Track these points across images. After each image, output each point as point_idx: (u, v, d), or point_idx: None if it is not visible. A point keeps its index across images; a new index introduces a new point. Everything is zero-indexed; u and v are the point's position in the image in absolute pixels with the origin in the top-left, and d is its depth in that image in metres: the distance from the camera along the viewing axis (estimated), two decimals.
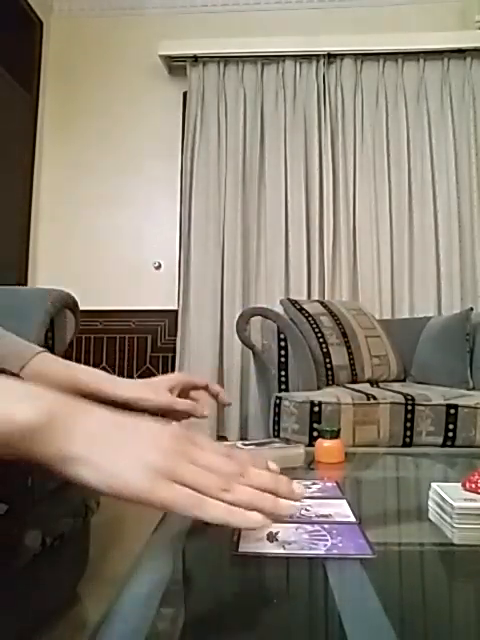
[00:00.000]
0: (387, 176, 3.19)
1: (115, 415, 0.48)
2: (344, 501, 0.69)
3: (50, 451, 0.43)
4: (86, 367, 0.82)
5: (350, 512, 0.65)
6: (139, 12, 3.54)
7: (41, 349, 0.82)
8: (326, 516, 0.63)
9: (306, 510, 0.64)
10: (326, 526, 0.59)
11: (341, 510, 0.65)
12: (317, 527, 0.59)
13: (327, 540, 0.55)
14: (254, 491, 0.46)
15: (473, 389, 2.18)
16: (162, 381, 0.83)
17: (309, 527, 0.58)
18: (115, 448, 0.44)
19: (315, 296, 3.10)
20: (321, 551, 0.52)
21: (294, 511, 0.51)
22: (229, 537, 0.52)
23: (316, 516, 0.62)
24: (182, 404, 0.82)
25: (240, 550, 0.51)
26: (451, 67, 3.25)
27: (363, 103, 3.28)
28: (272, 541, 0.53)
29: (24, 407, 0.43)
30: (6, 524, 0.52)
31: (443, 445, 1.85)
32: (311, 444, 0.97)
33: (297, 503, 0.51)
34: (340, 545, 0.54)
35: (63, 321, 1.62)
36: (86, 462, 0.43)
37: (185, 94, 3.42)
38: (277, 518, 0.47)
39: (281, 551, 0.51)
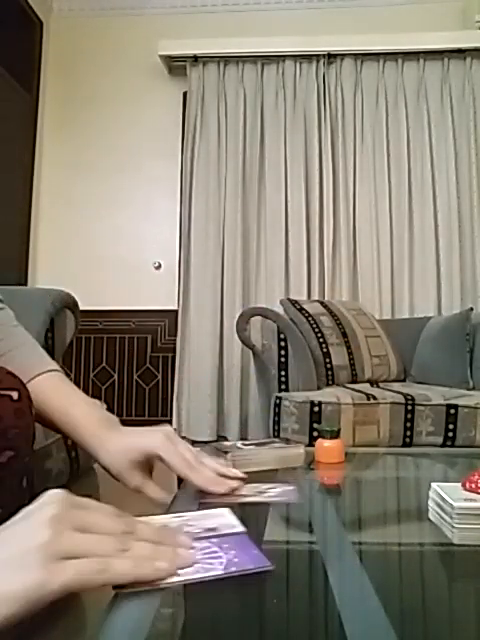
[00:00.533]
0: (387, 176, 3.19)
1: None
2: (226, 510, 0.62)
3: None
4: (87, 403, 0.77)
5: (236, 521, 0.59)
6: (139, 12, 3.54)
7: (52, 368, 0.80)
8: (212, 529, 0.57)
9: (189, 525, 0.58)
10: (215, 540, 0.53)
11: (225, 520, 0.59)
12: (206, 543, 0.52)
13: (221, 557, 0.49)
14: (152, 545, 0.45)
15: (473, 389, 2.18)
16: (147, 450, 0.71)
17: (198, 544, 0.51)
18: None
19: (315, 296, 3.10)
20: (219, 571, 0.46)
21: (193, 560, 0.47)
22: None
23: (202, 530, 0.56)
24: (152, 493, 0.72)
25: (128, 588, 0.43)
26: (451, 67, 3.25)
27: (363, 103, 3.28)
28: None
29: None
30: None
31: (443, 445, 1.85)
32: (311, 444, 0.97)
33: (192, 551, 0.48)
34: (236, 560, 0.49)
35: (63, 321, 1.62)
36: None
37: (185, 94, 3.42)
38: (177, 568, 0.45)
39: (176, 579, 0.44)
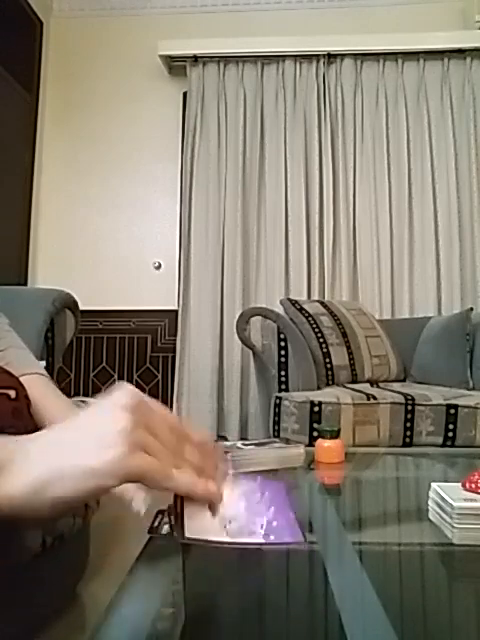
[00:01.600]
0: (387, 176, 3.19)
1: (57, 424, 0.44)
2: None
3: (11, 489, 0.38)
4: (70, 408, 0.75)
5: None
6: (139, 12, 3.54)
7: (35, 371, 0.79)
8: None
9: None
10: (260, 484, 0.57)
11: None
12: (252, 484, 0.56)
13: (261, 520, 0.53)
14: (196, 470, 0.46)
15: (473, 389, 2.18)
16: None
17: (245, 484, 0.55)
18: (70, 444, 0.41)
19: (315, 296, 3.10)
20: (260, 538, 0.50)
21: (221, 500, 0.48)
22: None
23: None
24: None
25: (187, 536, 0.46)
26: (451, 67, 3.25)
27: (363, 103, 3.28)
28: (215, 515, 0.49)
29: None
30: (4, 525, 0.52)
31: (443, 445, 1.85)
32: (311, 444, 0.97)
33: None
34: (275, 524, 0.53)
35: (63, 321, 1.62)
36: (48, 479, 0.39)
37: (185, 94, 3.42)
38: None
39: (225, 538, 0.48)
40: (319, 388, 2.13)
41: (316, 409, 1.83)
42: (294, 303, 2.42)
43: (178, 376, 3.21)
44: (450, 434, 1.85)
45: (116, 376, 3.40)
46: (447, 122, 3.20)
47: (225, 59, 3.31)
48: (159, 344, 3.42)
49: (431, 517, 0.64)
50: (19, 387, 0.66)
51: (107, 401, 0.43)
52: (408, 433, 1.86)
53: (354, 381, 2.32)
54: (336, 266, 3.19)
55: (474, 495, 0.61)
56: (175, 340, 3.29)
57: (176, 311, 3.29)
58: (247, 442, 0.90)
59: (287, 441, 1.01)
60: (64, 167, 3.51)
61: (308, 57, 3.28)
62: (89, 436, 0.41)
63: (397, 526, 0.69)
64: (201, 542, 0.48)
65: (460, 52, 3.22)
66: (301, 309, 2.37)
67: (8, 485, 0.38)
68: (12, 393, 0.64)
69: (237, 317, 2.26)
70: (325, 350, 2.27)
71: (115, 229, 3.46)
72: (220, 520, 0.49)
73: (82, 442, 0.41)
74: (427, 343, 2.49)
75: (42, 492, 0.38)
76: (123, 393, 0.44)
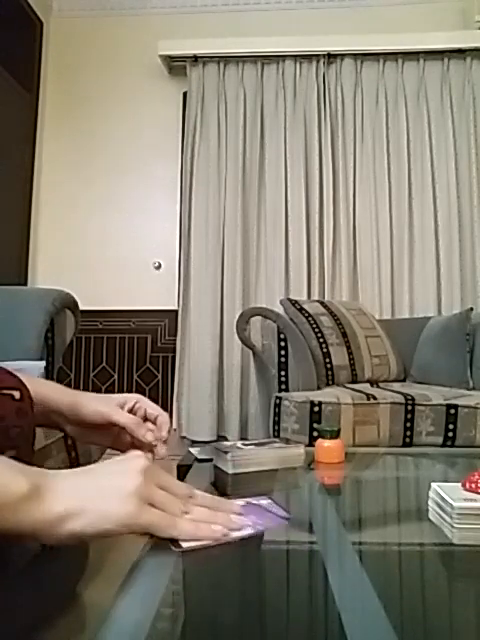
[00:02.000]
0: (387, 176, 3.19)
1: (80, 469, 0.53)
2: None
3: (39, 515, 0.45)
4: (48, 383, 0.79)
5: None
6: (139, 12, 3.54)
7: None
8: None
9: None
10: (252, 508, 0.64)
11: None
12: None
13: (246, 518, 0.59)
14: (208, 510, 0.56)
15: (473, 389, 2.18)
16: (119, 399, 0.78)
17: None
18: (94, 490, 0.49)
19: (315, 296, 3.10)
20: (250, 530, 0.56)
21: (244, 523, 0.57)
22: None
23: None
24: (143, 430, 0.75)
25: (184, 546, 0.52)
26: (451, 67, 3.25)
27: (363, 103, 3.28)
28: None
29: (18, 479, 0.46)
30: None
31: (443, 445, 1.85)
32: (311, 444, 0.97)
33: (242, 517, 0.58)
34: (260, 522, 0.59)
35: (63, 321, 1.62)
36: (72, 513, 0.46)
37: (185, 94, 3.42)
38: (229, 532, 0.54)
39: (228, 537, 0.54)
40: (319, 388, 2.12)
41: (316, 409, 1.83)
42: (294, 303, 2.42)
43: (178, 376, 3.21)
44: (450, 434, 1.85)
45: (116, 376, 3.40)
46: (447, 122, 3.20)
47: (225, 59, 3.31)
48: (159, 344, 3.42)
49: (431, 517, 0.64)
50: (23, 388, 0.67)
51: (125, 464, 0.53)
52: (408, 433, 1.86)
53: (354, 381, 2.32)
54: (336, 266, 3.19)
55: (474, 495, 0.61)
56: (175, 340, 3.29)
57: (176, 311, 3.29)
58: (247, 442, 0.90)
59: (287, 441, 1.01)
60: (64, 167, 3.51)
61: (308, 57, 3.28)
62: (111, 487, 0.49)
63: (397, 526, 0.69)
64: (198, 548, 0.51)
65: (460, 52, 3.22)
66: (301, 309, 2.37)
67: (39, 512, 0.45)
68: (16, 394, 0.65)
69: (237, 317, 2.25)
70: (325, 350, 2.27)
71: (115, 229, 3.46)
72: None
73: (105, 491, 0.49)
74: (427, 343, 2.49)
75: (63, 524, 0.46)
76: (137, 458, 0.53)
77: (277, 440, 0.96)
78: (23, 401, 0.66)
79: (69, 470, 0.52)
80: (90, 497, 0.48)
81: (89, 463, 1.24)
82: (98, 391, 3.36)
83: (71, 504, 0.46)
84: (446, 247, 3.12)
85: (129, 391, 3.37)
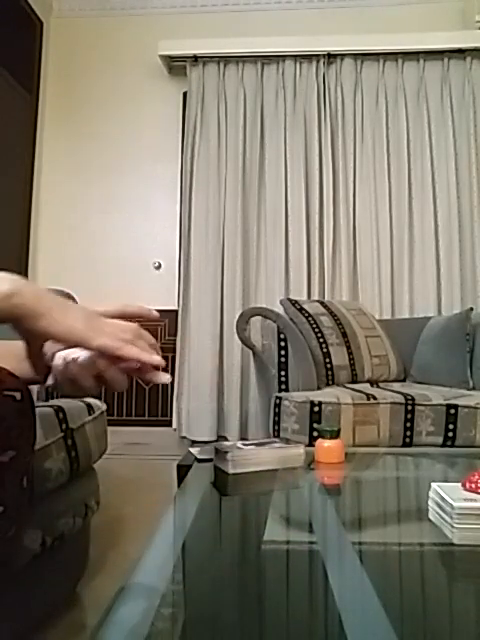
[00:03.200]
0: (387, 176, 3.19)
1: (49, 290, 0.65)
2: None
3: (23, 310, 0.59)
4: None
5: None
6: (139, 12, 3.54)
7: None
8: None
9: None
10: None
11: None
12: None
13: None
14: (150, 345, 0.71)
15: (473, 389, 2.18)
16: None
17: None
18: (64, 310, 0.62)
19: (315, 296, 3.10)
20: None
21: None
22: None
23: None
24: (132, 308, 0.86)
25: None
26: (451, 67, 3.25)
27: (363, 103, 3.27)
28: None
29: (4, 283, 0.58)
30: (2, 524, 0.52)
31: (443, 445, 1.85)
32: (311, 444, 0.97)
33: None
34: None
35: None
36: (48, 317, 0.60)
37: (185, 94, 3.42)
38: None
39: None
40: (319, 388, 2.12)
41: (316, 409, 1.83)
42: (294, 303, 2.42)
43: (178, 376, 3.21)
44: (450, 434, 1.85)
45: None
46: (447, 122, 3.20)
47: (225, 59, 3.31)
48: (159, 344, 3.41)
49: (431, 517, 0.64)
50: (24, 389, 0.67)
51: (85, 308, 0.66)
52: (408, 433, 1.86)
53: (354, 381, 2.32)
54: (336, 266, 3.19)
55: (474, 495, 0.61)
56: (175, 340, 3.29)
57: (176, 311, 3.29)
58: (247, 442, 0.90)
59: (287, 441, 1.01)
60: (64, 167, 3.51)
61: (308, 57, 3.28)
62: (74, 315, 0.63)
63: (397, 526, 0.69)
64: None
65: (460, 52, 3.22)
66: (301, 309, 2.37)
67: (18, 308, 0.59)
68: (18, 395, 0.65)
69: (237, 317, 2.25)
70: (325, 350, 2.27)
71: (115, 229, 3.46)
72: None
73: (69, 316, 0.62)
74: (427, 343, 2.49)
75: (36, 319, 0.60)
76: (93, 312, 0.67)
77: (277, 440, 0.96)
78: (24, 402, 0.66)
79: (42, 287, 0.63)
80: (60, 312, 0.61)
81: (89, 463, 1.24)
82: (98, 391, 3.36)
83: (46, 310, 0.60)
84: (446, 247, 3.12)
85: (129, 391, 3.38)
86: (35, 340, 0.63)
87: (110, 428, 1.37)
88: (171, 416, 3.27)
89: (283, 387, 2.05)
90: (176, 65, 3.41)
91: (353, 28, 3.34)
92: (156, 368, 0.70)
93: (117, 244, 3.45)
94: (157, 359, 0.69)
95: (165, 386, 3.38)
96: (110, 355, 0.64)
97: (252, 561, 0.51)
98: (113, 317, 0.76)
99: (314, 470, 0.93)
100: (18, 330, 0.61)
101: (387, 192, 3.18)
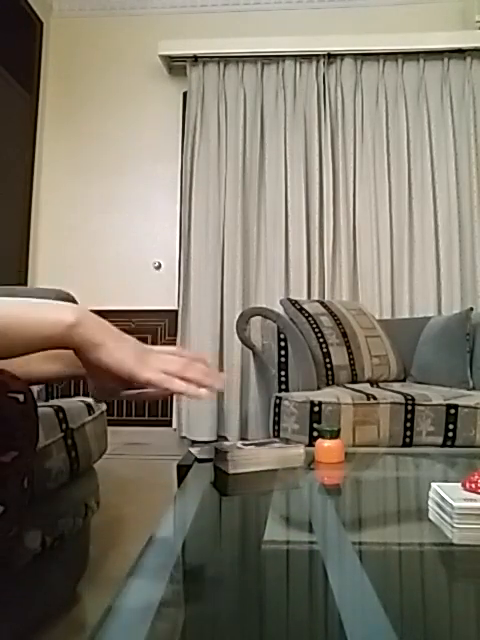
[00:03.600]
0: (387, 176, 3.19)
1: (106, 322, 0.68)
2: None
3: (84, 339, 0.63)
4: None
5: None
6: (139, 12, 3.54)
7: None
8: None
9: None
10: None
11: None
12: None
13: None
14: (202, 370, 0.71)
15: (473, 389, 2.18)
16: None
17: None
18: (118, 342, 0.66)
19: (315, 296, 3.10)
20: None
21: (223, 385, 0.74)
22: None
23: None
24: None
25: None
26: (451, 67, 3.25)
27: (363, 103, 3.27)
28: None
29: (67, 313, 0.63)
30: (3, 524, 0.52)
31: (443, 445, 1.85)
32: (311, 444, 0.97)
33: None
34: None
35: None
36: (104, 347, 0.64)
37: (185, 94, 3.42)
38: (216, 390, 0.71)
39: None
40: (319, 388, 2.12)
41: (316, 409, 1.83)
42: (294, 303, 2.42)
43: None
44: (450, 434, 1.85)
45: None
46: (447, 122, 3.20)
47: (225, 59, 3.31)
48: (159, 344, 3.41)
49: (431, 517, 0.64)
50: (27, 391, 0.68)
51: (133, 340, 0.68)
52: (408, 433, 1.86)
53: (354, 381, 2.32)
54: (336, 266, 3.19)
55: (474, 495, 0.61)
56: (175, 340, 3.28)
57: (176, 311, 3.29)
58: (247, 442, 0.90)
59: (287, 441, 1.01)
60: (64, 167, 3.51)
61: (308, 57, 3.28)
62: (126, 347, 0.66)
63: (397, 526, 0.69)
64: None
65: (460, 52, 3.22)
66: (301, 309, 2.37)
67: (80, 337, 0.63)
68: (21, 397, 0.66)
69: (237, 317, 2.25)
70: (325, 350, 2.27)
71: (115, 229, 3.46)
72: None
73: (122, 348, 0.66)
74: (427, 343, 2.49)
75: (97, 349, 0.64)
76: (140, 344, 0.69)
77: (277, 440, 0.96)
78: (27, 404, 0.67)
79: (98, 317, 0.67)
80: (114, 344, 0.65)
81: (89, 463, 1.24)
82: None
83: (103, 341, 0.64)
84: (446, 247, 3.12)
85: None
86: (90, 366, 0.66)
87: (110, 428, 1.37)
88: (171, 416, 3.27)
89: (283, 387, 2.05)
90: (176, 65, 3.41)
91: (353, 28, 3.34)
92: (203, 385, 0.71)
93: (117, 244, 3.45)
94: (201, 392, 0.69)
95: None
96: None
97: (252, 561, 0.51)
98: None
99: (314, 470, 0.93)
100: (77, 356, 0.65)
101: (387, 192, 3.18)
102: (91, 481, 1.21)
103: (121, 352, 0.65)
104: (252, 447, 0.91)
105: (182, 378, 0.68)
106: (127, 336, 0.69)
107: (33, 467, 0.71)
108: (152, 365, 0.67)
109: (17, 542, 0.52)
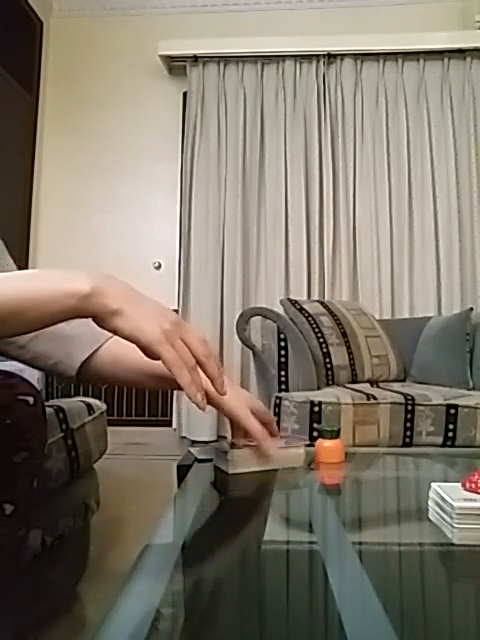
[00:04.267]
0: (387, 176, 3.19)
1: (132, 286, 0.65)
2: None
3: (99, 308, 0.59)
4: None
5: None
6: (139, 12, 3.54)
7: (111, 335, 0.80)
8: None
9: None
10: None
11: None
12: None
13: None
14: (219, 369, 0.67)
15: (473, 389, 2.18)
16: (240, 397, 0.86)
17: None
18: (139, 309, 0.61)
19: (315, 296, 3.10)
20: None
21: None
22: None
23: None
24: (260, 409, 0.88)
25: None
26: (451, 67, 3.25)
27: (363, 103, 3.27)
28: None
29: (82, 282, 0.59)
30: (12, 523, 0.52)
31: (443, 445, 1.85)
32: (311, 444, 0.97)
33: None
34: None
35: None
36: (122, 314, 0.60)
37: (185, 94, 3.42)
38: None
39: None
40: (319, 388, 2.12)
41: (316, 409, 1.83)
42: (294, 303, 2.42)
43: None
44: (450, 434, 1.85)
45: None
46: (447, 122, 3.20)
47: (225, 59, 3.31)
48: None
49: (431, 517, 0.64)
50: (37, 394, 0.68)
51: (163, 307, 0.64)
52: (408, 433, 1.86)
53: (354, 381, 2.32)
54: (336, 266, 3.19)
55: (474, 495, 0.61)
56: None
57: (176, 311, 3.29)
58: (250, 442, 0.90)
59: (288, 441, 1.00)
60: (64, 167, 3.51)
61: (308, 57, 3.28)
62: (153, 311, 0.62)
63: (397, 526, 0.69)
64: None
65: (460, 52, 3.22)
66: (301, 309, 2.37)
67: (100, 305, 0.59)
68: (31, 399, 0.67)
69: (237, 317, 2.26)
70: (325, 350, 2.27)
71: (115, 229, 3.46)
72: None
73: (149, 312, 0.62)
74: (427, 343, 2.49)
75: (113, 317, 0.60)
76: (173, 313, 0.65)
77: (279, 439, 0.96)
78: (36, 406, 0.68)
79: (119, 279, 0.64)
80: (134, 310, 0.60)
81: (89, 463, 1.23)
82: (98, 391, 3.36)
83: (120, 307, 0.60)
84: (446, 247, 3.12)
85: (129, 391, 3.38)
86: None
87: (110, 428, 1.37)
88: (171, 416, 3.27)
89: (283, 387, 2.05)
90: (176, 65, 3.41)
91: (353, 28, 3.34)
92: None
93: (117, 244, 3.44)
94: (198, 399, 0.64)
95: None
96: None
97: (252, 561, 0.51)
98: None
99: (314, 470, 0.93)
100: (96, 324, 0.62)
101: (387, 192, 3.18)
102: (91, 481, 1.21)
103: (140, 319, 0.60)
104: (251, 448, 0.90)
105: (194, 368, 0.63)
106: (153, 301, 0.64)
107: (42, 470, 0.71)
108: (174, 341, 0.61)
109: (25, 542, 0.53)
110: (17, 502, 0.58)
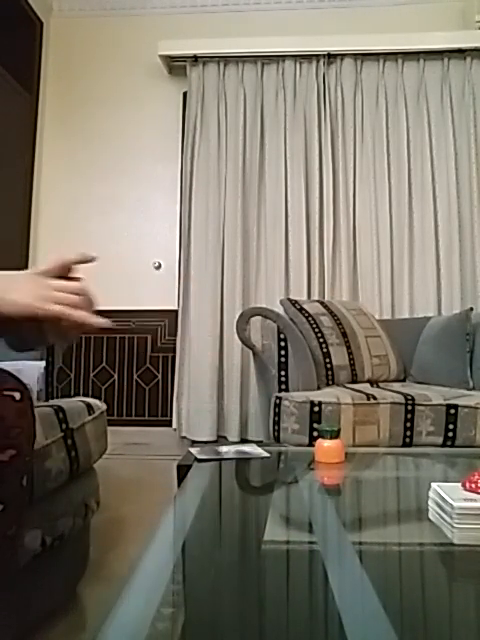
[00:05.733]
0: (387, 176, 3.19)
1: None
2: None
3: None
4: None
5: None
6: (139, 12, 3.54)
7: None
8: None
9: None
10: None
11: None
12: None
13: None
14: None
15: (473, 389, 2.18)
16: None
17: None
18: (7, 285, 0.64)
19: (315, 296, 3.10)
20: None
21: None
22: None
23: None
24: (70, 258, 0.85)
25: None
26: (451, 67, 3.25)
27: (363, 103, 3.27)
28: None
29: None
30: (2, 523, 0.52)
31: (443, 445, 1.85)
32: (311, 444, 0.97)
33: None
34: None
35: None
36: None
37: (185, 94, 3.42)
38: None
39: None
40: (319, 388, 2.12)
41: (316, 409, 1.83)
42: (294, 303, 2.42)
43: (178, 376, 3.21)
44: (450, 434, 1.85)
45: (116, 376, 3.40)
46: (447, 122, 3.20)
47: (225, 59, 3.31)
48: (159, 344, 3.41)
49: (431, 517, 0.64)
50: (24, 390, 0.68)
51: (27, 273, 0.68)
52: (408, 433, 1.86)
53: (354, 381, 2.32)
54: (336, 266, 3.19)
55: (474, 495, 0.61)
56: (175, 340, 3.28)
57: (176, 311, 3.29)
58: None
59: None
60: (64, 167, 3.51)
61: (308, 57, 3.28)
62: (17, 288, 0.65)
63: (397, 526, 0.69)
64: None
65: (460, 52, 3.22)
66: (301, 309, 2.37)
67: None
68: (17, 395, 0.66)
69: (237, 317, 2.25)
70: (325, 350, 2.27)
71: (115, 229, 3.46)
72: None
73: (12, 289, 0.64)
74: (427, 343, 2.49)
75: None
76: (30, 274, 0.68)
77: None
78: (23, 402, 0.67)
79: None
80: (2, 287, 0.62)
81: (89, 463, 1.24)
82: (98, 391, 3.37)
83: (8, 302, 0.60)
84: (446, 247, 3.12)
85: (129, 391, 3.38)
86: None
87: (110, 428, 1.37)
88: (171, 416, 3.27)
89: (283, 387, 2.05)
90: (176, 65, 3.41)
91: (353, 28, 3.34)
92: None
93: (117, 244, 3.44)
94: (102, 322, 0.69)
95: (165, 386, 3.38)
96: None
97: (252, 561, 0.51)
98: (56, 274, 0.79)
99: (314, 470, 0.93)
100: None
101: (387, 192, 3.18)
102: (91, 481, 1.21)
103: (13, 292, 0.63)
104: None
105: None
106: (16, 272, 0.67)
107: (32, 466, 0.71)
108: (50, 297, 0.65)
109: (17, 541, 0.52)
110: (6, 501, 0.58)
